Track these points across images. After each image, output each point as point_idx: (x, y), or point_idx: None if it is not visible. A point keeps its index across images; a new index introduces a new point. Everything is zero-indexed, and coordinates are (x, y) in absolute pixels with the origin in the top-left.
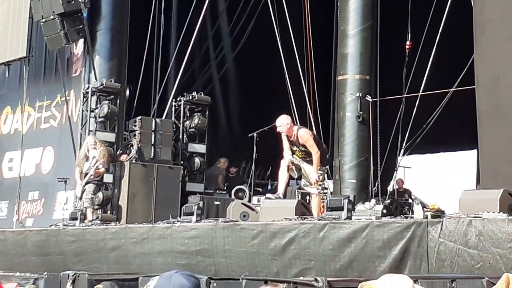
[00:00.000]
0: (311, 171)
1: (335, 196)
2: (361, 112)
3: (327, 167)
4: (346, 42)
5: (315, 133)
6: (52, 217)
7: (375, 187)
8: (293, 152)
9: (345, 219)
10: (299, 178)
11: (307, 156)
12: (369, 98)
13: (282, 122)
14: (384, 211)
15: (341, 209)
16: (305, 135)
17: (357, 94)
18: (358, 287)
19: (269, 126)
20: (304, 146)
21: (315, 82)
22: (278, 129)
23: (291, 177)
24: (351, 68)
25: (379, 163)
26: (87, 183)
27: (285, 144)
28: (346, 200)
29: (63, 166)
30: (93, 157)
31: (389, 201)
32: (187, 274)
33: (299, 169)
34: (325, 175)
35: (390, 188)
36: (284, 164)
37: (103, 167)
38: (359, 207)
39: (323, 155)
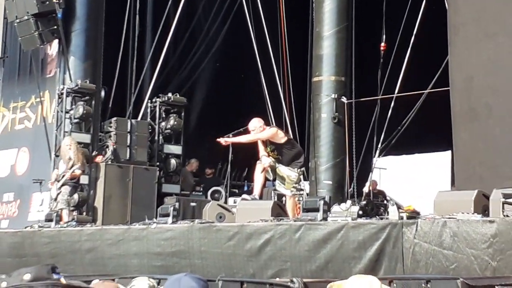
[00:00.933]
0: (286, 171)
1: (311, 197)
2: (336, 114)
3: (303, 168)
4: (321, 44)
5: (291, 135)
6: (27, 219)
7: (351, 188)
8: (268, 154)
9: (320, 220)
10: (275, 179)
11: (279, 156)
12: (344, 99)
13: (255, 126)
14: (360, 212)
15: (317, 210)
16: (267, 130)
17: (333, 96)
18: (327, 287)
19: (244, 128)
20: (273, 144)
21: (290, 84)
22: (251, 133)
23: (267, 179)
24: (326, 69)
25: (354, 164)
26: (63, 185)
27: (261, 147)
28: (322, 201)
29: (38, 167)
30: (68, 158)
31: (365, 202)
32: (196, 277)
33: (274, 170)
34: (301, 176)
35: (365, 189)
36: (260, 165)
37: (79, 170)
38: (335, 208)
39: (298, 155)
